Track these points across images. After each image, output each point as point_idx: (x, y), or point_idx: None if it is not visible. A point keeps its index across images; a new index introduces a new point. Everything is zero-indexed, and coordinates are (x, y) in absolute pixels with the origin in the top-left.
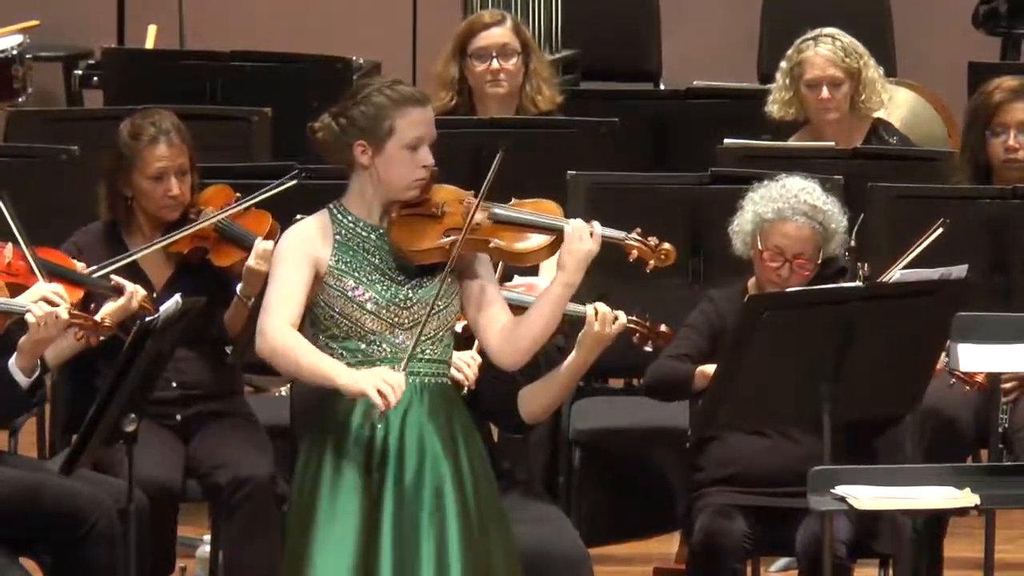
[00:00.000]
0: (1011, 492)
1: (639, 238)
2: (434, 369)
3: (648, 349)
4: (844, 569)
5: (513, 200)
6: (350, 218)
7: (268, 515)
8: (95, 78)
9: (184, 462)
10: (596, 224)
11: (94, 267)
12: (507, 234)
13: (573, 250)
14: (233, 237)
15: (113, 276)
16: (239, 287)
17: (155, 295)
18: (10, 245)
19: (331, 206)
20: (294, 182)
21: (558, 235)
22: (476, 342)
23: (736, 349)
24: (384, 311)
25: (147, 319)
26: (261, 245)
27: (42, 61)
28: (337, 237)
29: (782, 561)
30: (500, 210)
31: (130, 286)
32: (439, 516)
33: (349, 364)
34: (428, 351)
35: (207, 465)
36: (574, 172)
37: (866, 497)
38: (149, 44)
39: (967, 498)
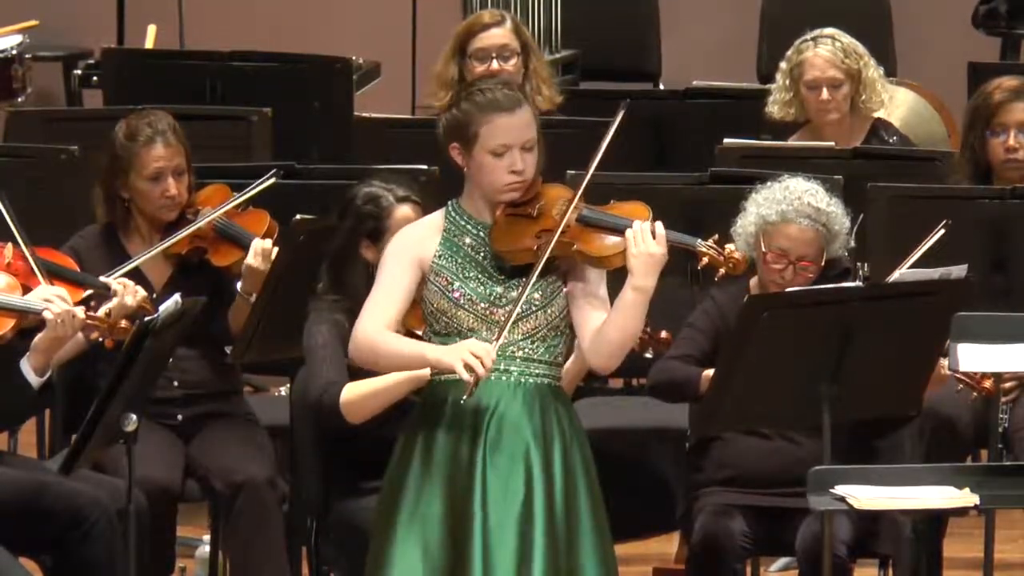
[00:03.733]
0: (1010, 492)
1: (712, 245)
2: (532, 368)
3: (648, 355)
4: (844, 569)
5: (612, 202)
6: (463, 216)
7: (269, 517)
8: (94, 78)
9: (184, 462)
10: (659, 226)
11: (104, 276)
12: (590, 237)
13: (636, 253)
14: (231, 237)
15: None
16: (239, 285)
17: (155, 296)
18: (10, 245)
19: (450, 203)
20: (272, 180)
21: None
22: None
23: (736, 349)
24: (479, 308)
25: (146, 319)
26: (259, 244)
27: (42, 61)
28: (445, 233)
29: (782, 561)
30: (588, 212)
31: (116, 284)
32: (526, 517)
33: None
34: (526, 349)
35: (207, 466)
36: (573, 172)
37: (866, 497)
38: (149, 44)
39: (966, 498)
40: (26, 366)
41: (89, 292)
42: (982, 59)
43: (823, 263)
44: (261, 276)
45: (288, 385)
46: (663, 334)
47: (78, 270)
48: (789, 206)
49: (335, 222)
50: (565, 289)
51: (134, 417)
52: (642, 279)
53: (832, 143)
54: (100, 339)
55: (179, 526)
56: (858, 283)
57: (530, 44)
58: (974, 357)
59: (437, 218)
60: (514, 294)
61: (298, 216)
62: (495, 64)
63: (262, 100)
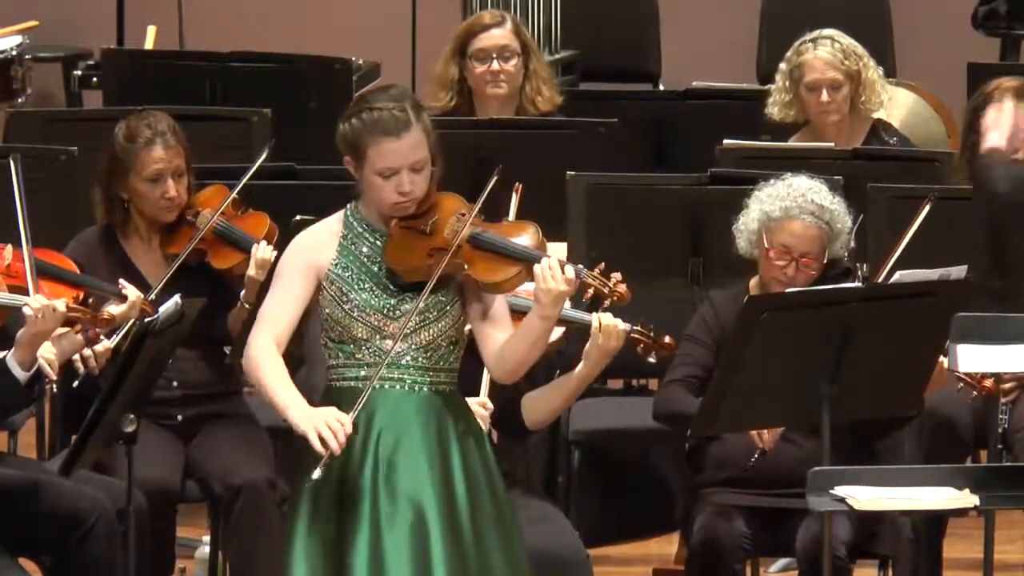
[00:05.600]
0: (1010, 493)
1: (597, 276)
2: (426, 377)
3: (651, 360)
4: (843, 570)
5: (506, 220)
6: (361, 222)
7: (269, 518)
8: (94, 79)
9: (183, 463)
10: (570, 267)
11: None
12: (482, 262)
13: (546, 289)
14: (231, 239)
15: (121, 280)
16: (243, 294)
17: (153, 297)
18: (9, 247)
19: (348, 206)
20: (266, 153)
21: (526, 267)
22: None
23: (736, 350)
24: (371, 318)
25: (146, 320)
26: (260, 254)
27: (41, 62)
28: (342, 240)
29: (782, 562)
30: (482, 234)
31: (133, 294)
32: (420, 526)
33: (343, 365)
34: (420, 359)
35: (206, 467)
36: (573, 173)
37: (865, 498)
38: (148, 45)
39: (966, 499)
40: (12, 361)
41: (86, 294)
42: (982, 59)
43: (824, 262)
44: (261, 286)
45: None
46: (666, 339)
47: (77, 272)
48: (793, 203)
49: None
50: (460, 301)
51: (133, 418)
52: (549, 310)
53: (832, 144)
54: (85, 330)
55: (179, 527)
56: (858, 284)
57: (530, 45)
58: (974, 357)
59: (334, 223)
60: (407, 307)
61: (298, 217)
62: (495, 64)
63: (261, 100)
